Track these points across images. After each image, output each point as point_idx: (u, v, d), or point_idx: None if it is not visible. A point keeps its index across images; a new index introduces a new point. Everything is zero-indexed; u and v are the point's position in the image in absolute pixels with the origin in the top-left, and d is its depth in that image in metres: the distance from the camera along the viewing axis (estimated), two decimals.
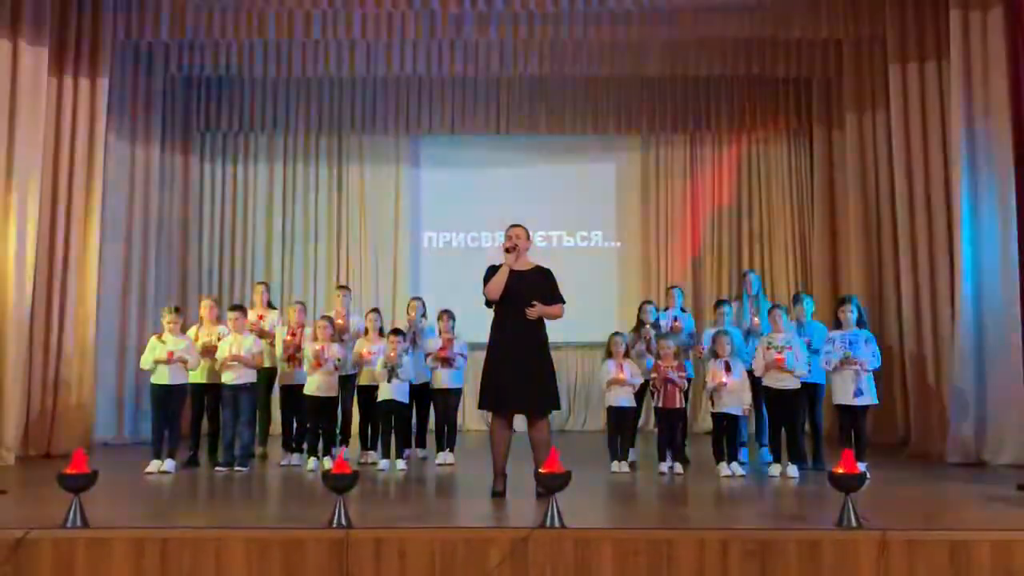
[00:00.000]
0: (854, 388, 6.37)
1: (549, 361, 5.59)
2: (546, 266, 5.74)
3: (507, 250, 5.58)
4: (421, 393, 7.40)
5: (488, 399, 5.55)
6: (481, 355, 5.71)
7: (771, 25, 8.37)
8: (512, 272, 5.57)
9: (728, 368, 6.51)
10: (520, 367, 5.45)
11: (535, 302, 5.49)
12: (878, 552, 4.11)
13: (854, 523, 4.32)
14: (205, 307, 7.38)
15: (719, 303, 7.46)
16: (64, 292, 7.90)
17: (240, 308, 7.19)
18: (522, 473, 5.48)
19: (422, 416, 7.65)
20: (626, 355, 6.86)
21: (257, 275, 10.02)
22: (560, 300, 5.63)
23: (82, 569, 4.17)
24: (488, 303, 5.62)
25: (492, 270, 5.61)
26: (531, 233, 5.78)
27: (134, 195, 9.00)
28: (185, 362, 6.78)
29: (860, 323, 6.54)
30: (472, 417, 9.82)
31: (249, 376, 6.92)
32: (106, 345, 8.52)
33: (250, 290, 9.14)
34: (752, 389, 6.67)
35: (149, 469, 6.63)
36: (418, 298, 7.88)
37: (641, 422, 7.62)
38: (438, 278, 10.22)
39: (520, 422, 5.72)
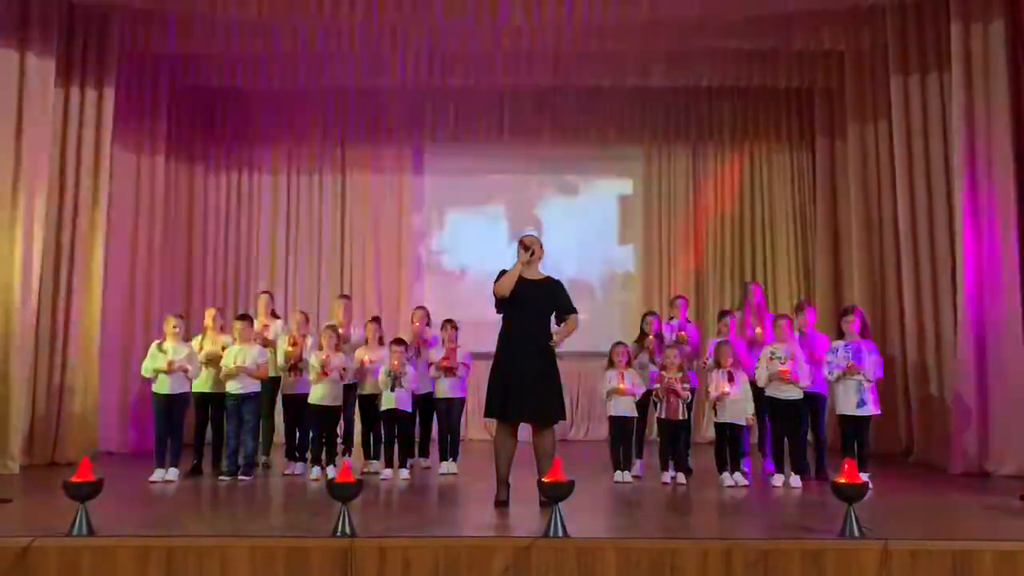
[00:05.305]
0: (857, 398, 6.38)
1: (555, 370, 5.60)
2: (556, 277, 5.76)
3: (524, 247, 5.58)
4: (424, 403, 7.42)
5: (494, 407, 5.56)
6: (484, 365, 5.72)
7: (773, 36, 8.40)
8: (523, 280, 5.57)
9: (731, 378, 6.52)
10: (526, 376, 5.46)
11: (555, 335, 5.55)
12: (880, 562, 4.12)
13: (857, 533, 4.33)
14: (209, 316, 7.40)
15: (722, 314, 7.47)
16: (69, 301, 7.91)
17: (246, 318, 7.21)
18: (525, 482, 5.50)
19: (425, 426, 7.67)
20: (628, 365, 6.87)
21: (261, 284, 10.06)
22: (572, 310, 5.65)
23: None
24: (497, 305, 5.62)
25: (504, 272, 5.63)
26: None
27: (140, 205, 9.02)
28: (186, 371, 6.81)
29: (863, 333, 6.55)
30: (475, 427, 9.82)
31: (253, 386, 6.94)
32: (110, 354, 8.52)
33: (254, 299, 9.17)
34: (754, 399, 6.68)
35: (153, 478, 6.66)
36: (422, 307, 7.91)
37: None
38: (442, 288, 10.24)
39: (524, 431, 5.72)
